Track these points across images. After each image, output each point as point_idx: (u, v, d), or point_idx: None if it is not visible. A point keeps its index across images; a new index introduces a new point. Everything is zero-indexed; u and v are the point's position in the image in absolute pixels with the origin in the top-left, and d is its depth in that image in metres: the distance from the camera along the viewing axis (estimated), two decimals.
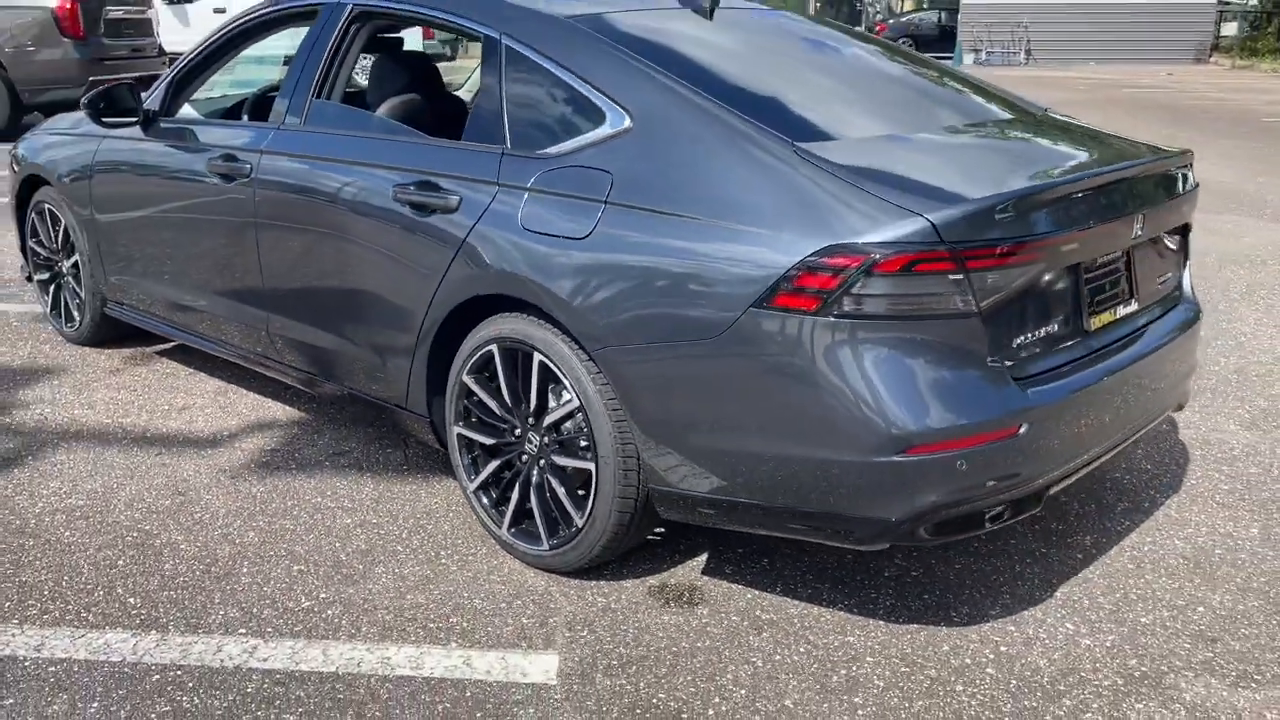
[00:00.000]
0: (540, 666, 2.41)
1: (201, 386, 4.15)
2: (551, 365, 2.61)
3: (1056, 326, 2.46)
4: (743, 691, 2.33)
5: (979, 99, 3.23)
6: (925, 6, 36.84)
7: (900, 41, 32.35)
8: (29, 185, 4.57)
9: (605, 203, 2.51)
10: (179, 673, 2.37)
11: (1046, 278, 2.40)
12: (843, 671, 2.41)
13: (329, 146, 3.21)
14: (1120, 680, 2.40)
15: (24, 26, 10.57)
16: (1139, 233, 2.61)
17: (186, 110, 4.02)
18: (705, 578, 2.81)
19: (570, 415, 2.62)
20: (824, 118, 2.70)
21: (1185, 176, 2.93)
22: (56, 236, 4.48)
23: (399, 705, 2.27)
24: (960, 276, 2.19)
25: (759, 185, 2.36)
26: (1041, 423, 2.34)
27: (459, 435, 2.91)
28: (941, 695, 2.34)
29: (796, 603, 2.69)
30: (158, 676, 2.35)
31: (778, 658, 2.46)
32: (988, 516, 2.36)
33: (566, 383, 2.59)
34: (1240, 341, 4.91)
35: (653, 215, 2.44)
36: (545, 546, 2.74)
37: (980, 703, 2.31)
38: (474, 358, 2.79)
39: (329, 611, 2.62)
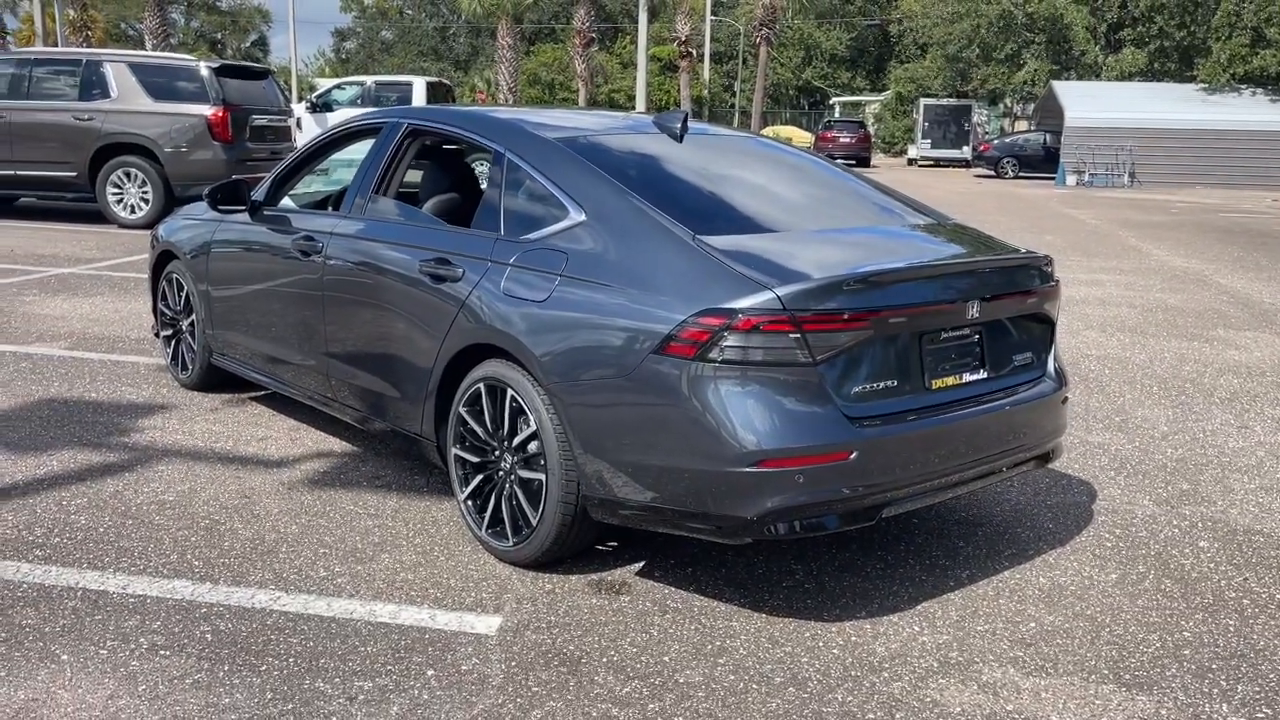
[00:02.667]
0: (486, 624, 3.16)
1: (280, 424, 5.08)
2: (519, 398, 3.41)
3: (896, 382, 3.16)
4: (633, 649, 3.03)
5: (884, 207, 4.01)
6: (1033, 128, 37.40)
7: (1004, 162, 32.92)
8: (162, 259, 5.67)
9: (560, 275, 3.34)
10: (221, 608, 3.19)
11: (883, 343, 3.12)
12: (717, 643, 3.09)
13: (378, 231, 4.14)
14: (936, 664, 3.02)
15: (181, 130, 12.18)
16: (975, 316, 3.31)
17: (286, 202, 5.05)
18: (637, 577, 3.52)
19: (531, 437, 3.41)
20: (729, 218, 3.52)
21: (1042, 276, 3.63)
22: (180, 300, 5.53)
23: (374, 639, 3.04)
24: (798, 336, 2.93)
25: (664, 264, 3.16)
26: (870, 453, 3.03)
27: (455, 455, 3.72)
28: (789, 662, 2.99)
29: (702, 598, 3.38)
30: (204, 609, 3.18)
31: (670, 631, 3.15)
32: (824, 522, 3.04)
33: (528, 412, 3.38)
34: (1196, 437, 5.41)
35: (592, 284, 3.26)
36: (510, 543, 3.51)
37: (817, 669, 2.96)
38: (467, 394, 3.62)
39: (339, 580, 3.42)
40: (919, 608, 3.38)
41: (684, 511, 3.09)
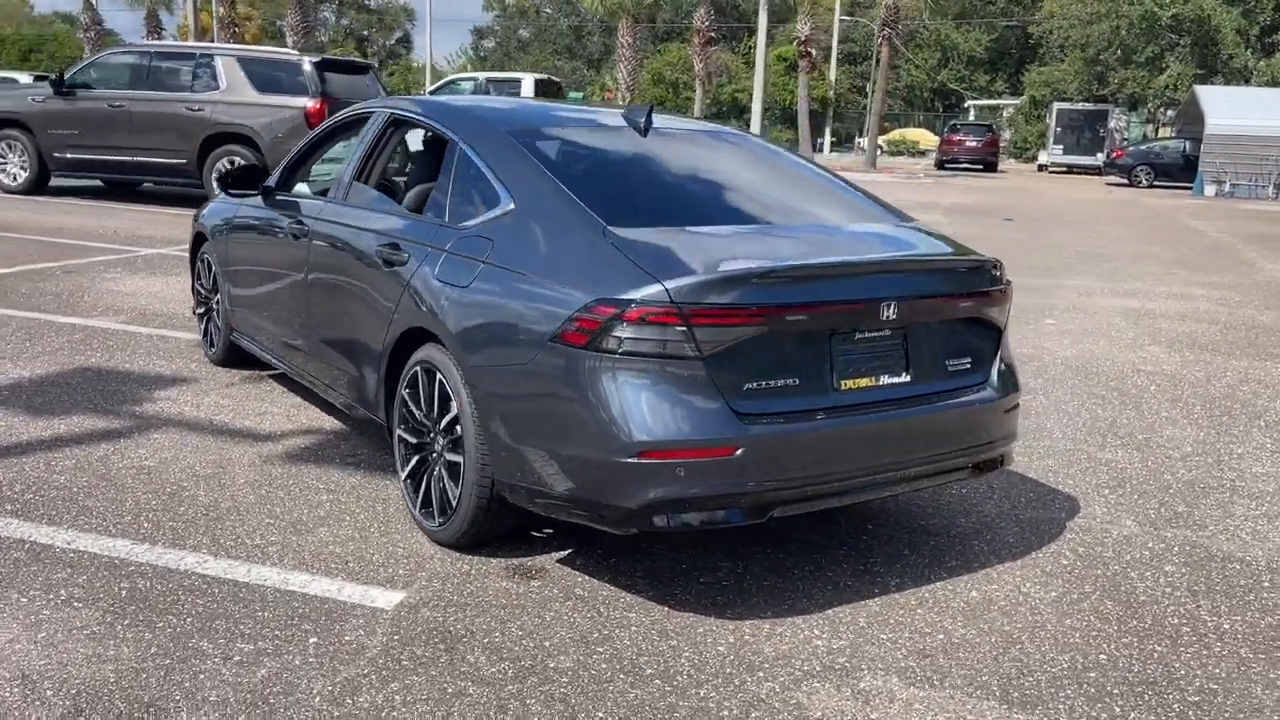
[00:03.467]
0: (388, 598, 3.24)
1: (284, 401, 5.29)
2: (445, 382, 3.49)
3: (798, 380, 3.11)
4: (519, 633, 3.07)
5: (836, 206, 3.93)
6: (1173, 135, 35.67)
7: (1137, 170, 31.49)
8: (198, 240, 5.97)
9: (483, 262, 3.40)
10: (147, 568, 3.36)
11: (782, 340, 3.07)
12: (605, 632, 3.10)
13: (350, 216, 4.29)
14: (819, 668, 2.97)
15: (281, 121, 12.72)
16: (891, 317, 3.22)
17: (300, 187, 5.25)
18: (558, 564, 3.55)
19: (455, 420, 3.48)
20: (654, 211, 3.51)
21: (985, 279, 3.51)
22: (210, 280, 5.82)
23: (276, 605, 3.16)
24: (684, 329, 2.92)
25: (572, 254, 3.19)
26: (758, 451, 2.99)
27: (398, 436, 3.82)
28: (668, 656, 2.98)
29: (612, 587, 3.40)
30: (132, 568, 3.36)
31: (564, 617, 3.18)
32: (708, 517, 3.02)
33: (451, 395, 3.46)
34: (1220, 459, 5.13)
35: (509, 272, 3.31)
36: (436, 524, 3.59)
37: (693, 664, 2.94)
38: (407, 376, 3.72)
39: (270, 549, 3.56)
40: (829, 612, 3.32)
41: (578, 499, 3.11)
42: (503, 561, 3.55)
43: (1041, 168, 40.09)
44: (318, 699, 2.68)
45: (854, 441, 3.21)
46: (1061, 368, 6.96)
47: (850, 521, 4.05)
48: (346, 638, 2.99)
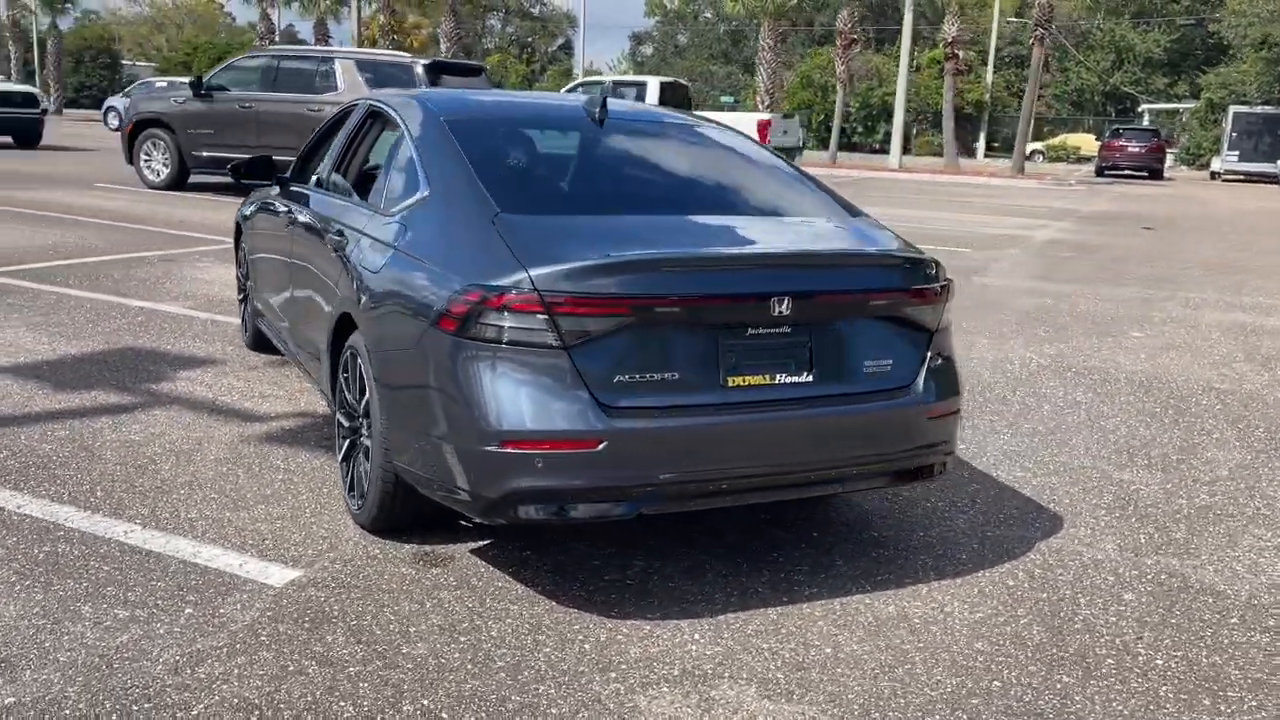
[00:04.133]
0: (282, 576, 3.30)
1: (293, 385, 5.46)
2: (363, 366, 3.54)
3: (679, 375, 3.00)
4: (391, 618, 3.07)
5: (771, 198, 3.79)
6: None
7: None
8: (238, 229, 6.23)
9: (394, 248, 3.43)
10: (75, 534, 3.52)
11: (658, 331, 2.97)
12: (475, 622, 3.07)
13: (322, 204, 4.39)
14: (676, 673, 2.86)
15: None
16: (783, 313, 3.06)
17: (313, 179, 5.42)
18: (470, 554, 3.54)
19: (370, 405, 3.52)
20: (557, 199, 3.45)
21: (913, 278, 3.31)
22: (245, 268, 6.07)
23: (173, 576, 3.26)
24: (547, 318, 2.86)
25: (461, 240, 3.18)
26: (624, 445, 2.90)
27: (336, 420, 3.89)
28: (527, 650, 2.93)
29: (510, 580, 3.36)
30: (63, 533, 3.53)
31: (445, 605, 3.16)
32: (570, 511, 2.95)
33: (365, 379, 3.50)
34: (1252, 486, 4.72)
35: (410, 258, 3.32)
36: (356, 506, 3.64)
37: (547, 660, 2.88)
38: (342, 361, 3.78)
39: (199, 523, 3.68)
40: (722, 617, 3.19)
41: (451, 487, 3.09)
42: (416, 548, 3.56)
43: (1214, 175, 37.62)
44: (159, 668, 2.75)
45: (741, 442, 3.08)
46: (1123, 382, 6.51)
47: (797, 527, 3.89)
48: (221, 611, 3.06)
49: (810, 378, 3.18)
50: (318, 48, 18.74)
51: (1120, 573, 3.68)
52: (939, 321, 3.43)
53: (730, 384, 3.07)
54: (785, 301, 3.07)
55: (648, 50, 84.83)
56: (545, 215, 3.29)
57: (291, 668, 2.78)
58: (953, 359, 3.55)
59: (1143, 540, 3.99)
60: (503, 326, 2.89)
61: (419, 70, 13.26)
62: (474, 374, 2.93)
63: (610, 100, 4.16)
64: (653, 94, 20.76)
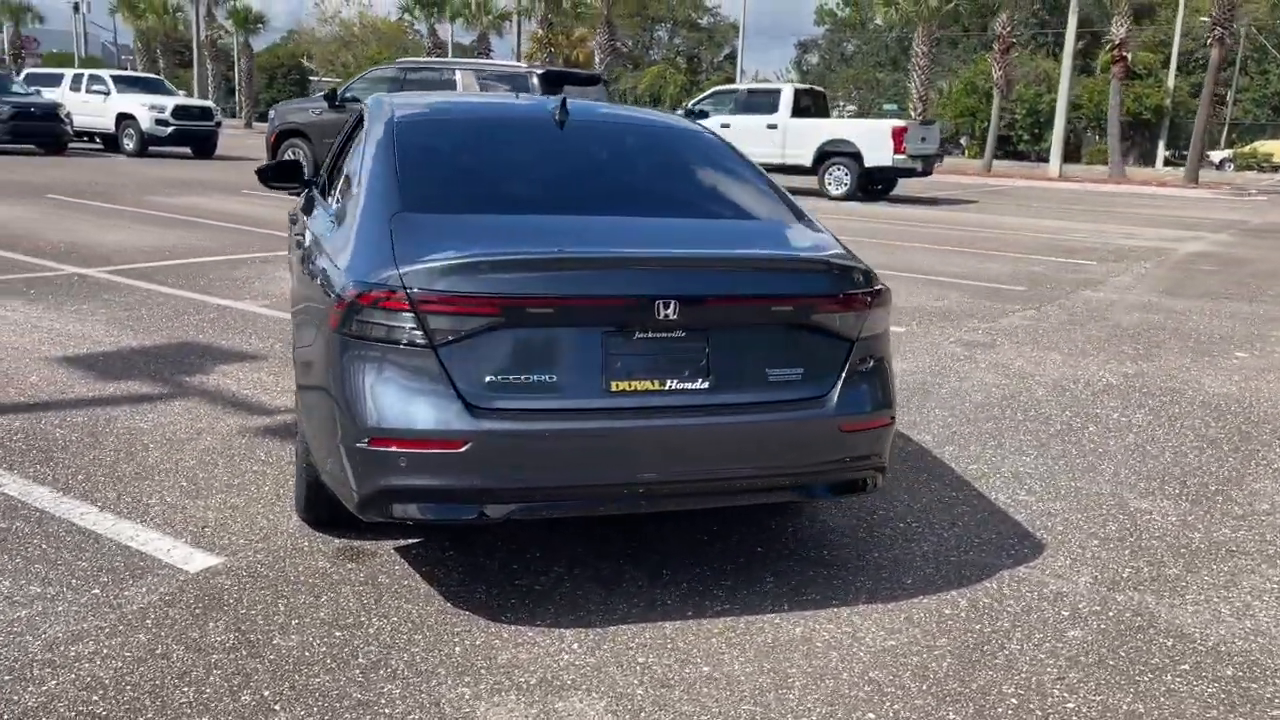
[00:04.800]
0: (202, 563, 3.40)
1: None
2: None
3: (555, 377, 2.93)
4: (282, 608, 3.12)
5: (708, 201, 3.68)
6: None
7: None
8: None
9: (322, 248, 3.49)
10: (35, 512, 3.72)
11: (533, 332, 2.91)
12: (364, 618, 3.08)
13: (309, 206, 4.52)
14: (534, 680, 2.79)
15: None
16: (669, 316, 2.95)
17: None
18: (392, 552, 3.55)
19: None
20: (469, 199, 3.42)
21: (829, 285, 3.15)
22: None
23: (103, 556, 3.40)
24: (413, 316, 2.85)
25: (361, 239, 3.20)
26: (491, 447, 2.85)
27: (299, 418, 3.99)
28: (398, 648, 2.92)
29: (416, 578, 3.36)
30: (25, 510, 3.72)
31: (340, 601, 3.19)
32: (436, 511, 2.92)
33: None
34: (1245, 514, 4.25)
35: (327, 255, 3.37)
36: (296, 500, 3.72)
37: (408, 661, 2.86)
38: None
39: (154, 509, 3.83)
40: (610, 629, 3.10)
41: (336, 483, 3.12)
42: (345, 543, 3.60)
43: None
44: (38, 643, 2.87)
45: (624, 449, 2.98)
46: (1194, 404, 6.00)
47: (743, 542, 3.75)
48: (125, 593, 3.18)
49: (706, 385, 3.05)
50: (441, 59, 19.34)
51: (1079, 608, 3.39)
52: (860, 330, 3.23)
53: (614, 389, 2.98)
54: (672, 305, 2.96)
55: (814, 59, 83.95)
56: (449, 214, 3.29)
57: (158, 651, 2.86)
58: (883, 370, 3.34)
59: (1126, 574, 3.66)
60: (373, 324, 2.90)
61: (534, 80, 13.51)
62: (351, 371, 2.95)
63: (577, 103, 4.12)
64: (786, 101, 20.50)
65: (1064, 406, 5.83)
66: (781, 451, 3.13)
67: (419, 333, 2.86)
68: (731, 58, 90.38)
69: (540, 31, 38.13)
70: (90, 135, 24.74)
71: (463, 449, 2.85)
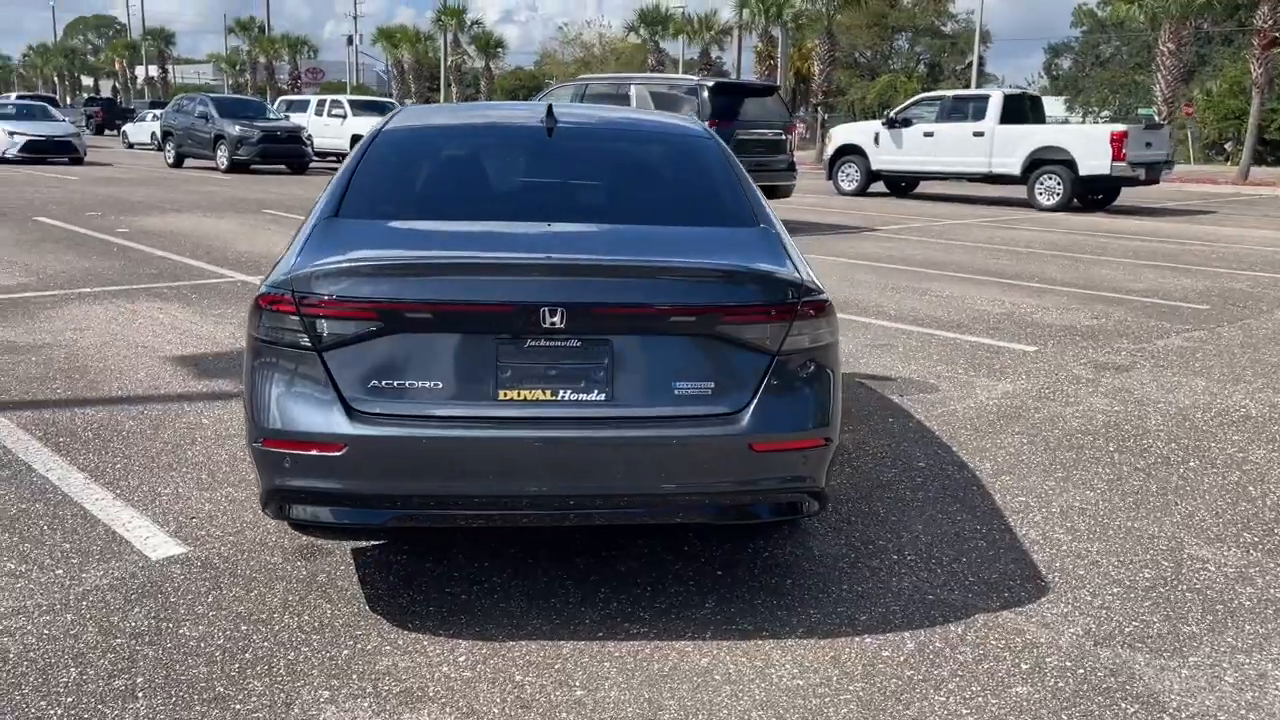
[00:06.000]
0: (166, 551, 3.57)
1: None
2: None
3: (442, 383, 2.88)
4: (210, 601, 3.23)
5: (658, 206, 3.58)
6: None
7: None
8: None
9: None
10: (57, 494, 4.04)
11: (417, 338, 2.87)
12: (276, 616, 3.15)
13: None
14: (396, 690, 2.76)
15: None
16: (555, 324, 2.83)
17: None
18: (346, 554, 3.59)
19: None
20: (408, 206, 3.44)
21: (746, 295, 2.97)
22: None
23: (87, 539, 3.64)
24: (298, 318, 2.88)
25: (292, 243, 3.27)
26: (370, 452, 2.84)
27: None
28: (285, 646, 2.96)
29: (353, 580, 3.39)
30: (49, 491, 4.05)
31: (267, 596, 3.27)
32: (321, 515, 2.93)
33: None
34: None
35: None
36: None
37: (289, 658, 2.89)
38: None
39: (161, 498, 4.07)
40: (508, 644, 3.02)
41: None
42: (307, 541, 3.68)
43: None
44: None
45: (511, 460, 2.89)
46: None
47: (702, 564, 3.57)
48: (83, 575, 3.39)
49: (602, 396, 2.92)
50: (619, 74, 19.59)
51: (1044, 662, 3.00)
52: (783, 345, 2.99)
53: (502, 397, 2.90)
54: (559, 313, 2.85)
55: (1066, 63, 79.40)
56: (379, 221, 3.31)
57: (73, 631, 3.02)
58: (818, 387, 3.08)
59: (1130, 629, 3.21)
60: (270, 327, 2.96)
61: (703, 93, 13.49)
62: (254, 373, 3.02)
63: (573, 110, 4.07)
64: (995, 106, 19.46)
65: (1173, 438, 5.20)
66: (685, 469, 2.95)
67: (305, 335, 2.90)
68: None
69: (760, 45, 38.00)
70: (331, 155, 26.81)
71: (341, 452, 2.86)
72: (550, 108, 3.98)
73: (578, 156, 3.95)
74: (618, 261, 3.09)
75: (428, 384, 2.90)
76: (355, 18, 73.91)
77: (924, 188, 22.29)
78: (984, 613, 3.30)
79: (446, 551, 3.60)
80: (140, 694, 2.72)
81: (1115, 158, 18.26)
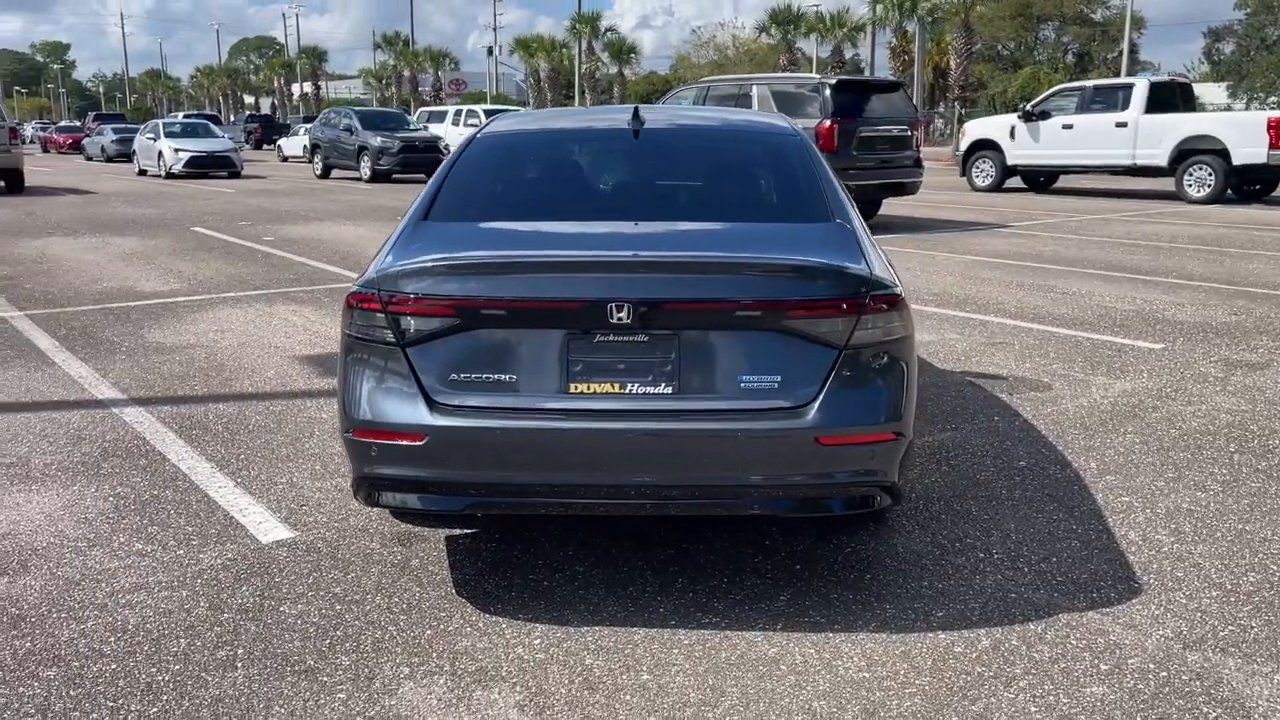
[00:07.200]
0: (276, 536, 3.81)
1: None
2: None
3: (515, 377, 3.00)
4: (310, 581, 3.44)
5: (735, 206, 3.66)
6: None
7: None
8: None
9: None
10: (183, 481, 4.35)
11: (492, 333, 3.00)
12: (368, 595, 3.33)
13: None
14: (472, 669, 2.90)
15: None
16: (622, 319, 2.92)
17: None
18: (439, 542, 3.75)
19: None
20: (493, 206, 3.58)
21: (812, 290, 3.00)
22: None
23: (205, 521, 3.92)
24: (384, 315, 3.05)
25: (383, 246, 3.44)
26: (449, 442, 2.98)
27: None
28: (370, 623, 3.14)
29: (444, 566, 3.55)
30: (179, 479, 4.38)
31: (362, 580, 3.45)
32: (406, 501, 3.09)
33: None
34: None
35: None
36: None
37: (380, 636, 3.07)
38: None
39: (277, 487, 4.32)
40: (582, 629, 3.12)
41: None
42: (406, 529, 3.87)
43: None
44: (106, 589, 3.38)
45: (581, 450, 2.99)
46: None
47: (783, 557, 3.60)
48: (201, 555, 3.65)
49: (669, 389, 2.99)
50: (740, 76, 19.51)
51: (1125, 663, 2.93)
52: (850, 339, 3.00)
53: (572, 390, 3.01)
54: (626, 309, 2.93)
55: (1228, 48, 75.15)
56: (466, 223, 3.46)
57: (187, 606, 3.27)
58: (889, 381, 3.07)
59: (1224, 633, 3.10)
60: (359, 324, 3.14)
61: (825, 91, 13.38)
62: (346, 367, 3.20)
63: (659, 110, 4.16)
64: (1140, 96, 18.62)
65: None
66: (752, 462, 2.99)
67: (390, 331, 3.06)
68: (1131, 52, 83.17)
69: (895, 41, 37.36)
70: None
71: (422, 442, 3.01)
72: (636, 110, 4.07)
73: (661, 157, 4.04)
74: (680, 258, 3.16)
75: (503, 377, 3.03)
76: (495, 29, 75.81)
77: (1064, 183, 21.52)
78: (1067, 612, 3.23)
79: (534, 540, 3.73)
80: (239, 664, 2.93)
81: (1273, 145, 17.23)
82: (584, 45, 51.29)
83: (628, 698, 2.76)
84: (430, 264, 3.08)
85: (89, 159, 40.28)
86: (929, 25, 37.64)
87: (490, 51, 77.99)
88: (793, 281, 3.05)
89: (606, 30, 50.72)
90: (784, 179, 3.87)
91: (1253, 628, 3.13)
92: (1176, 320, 7.76)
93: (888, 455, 3.06)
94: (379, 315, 3.08)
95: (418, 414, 3.03)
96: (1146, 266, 10.52)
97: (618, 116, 4.27)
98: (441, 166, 3.92)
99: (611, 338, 2.99)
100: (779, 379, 3.00)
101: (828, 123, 13.11)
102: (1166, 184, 18.92)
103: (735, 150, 4.16)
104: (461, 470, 3.05)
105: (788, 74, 18.04)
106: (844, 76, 14.53)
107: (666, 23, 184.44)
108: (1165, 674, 2.87)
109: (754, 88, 14.26)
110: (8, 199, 19.77)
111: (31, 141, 55.84)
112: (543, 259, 3.17)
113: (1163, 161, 18.39)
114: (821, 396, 2.99)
